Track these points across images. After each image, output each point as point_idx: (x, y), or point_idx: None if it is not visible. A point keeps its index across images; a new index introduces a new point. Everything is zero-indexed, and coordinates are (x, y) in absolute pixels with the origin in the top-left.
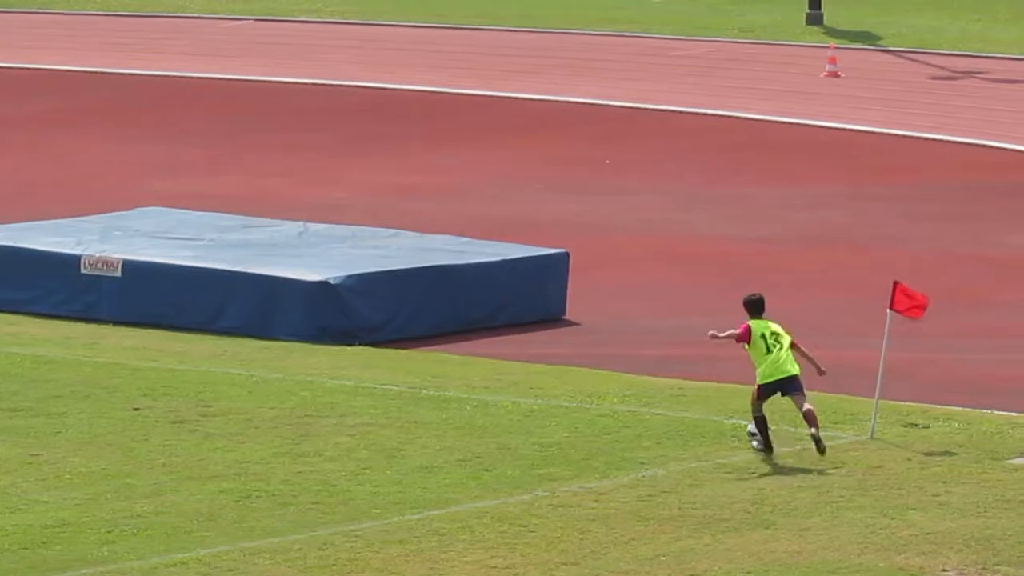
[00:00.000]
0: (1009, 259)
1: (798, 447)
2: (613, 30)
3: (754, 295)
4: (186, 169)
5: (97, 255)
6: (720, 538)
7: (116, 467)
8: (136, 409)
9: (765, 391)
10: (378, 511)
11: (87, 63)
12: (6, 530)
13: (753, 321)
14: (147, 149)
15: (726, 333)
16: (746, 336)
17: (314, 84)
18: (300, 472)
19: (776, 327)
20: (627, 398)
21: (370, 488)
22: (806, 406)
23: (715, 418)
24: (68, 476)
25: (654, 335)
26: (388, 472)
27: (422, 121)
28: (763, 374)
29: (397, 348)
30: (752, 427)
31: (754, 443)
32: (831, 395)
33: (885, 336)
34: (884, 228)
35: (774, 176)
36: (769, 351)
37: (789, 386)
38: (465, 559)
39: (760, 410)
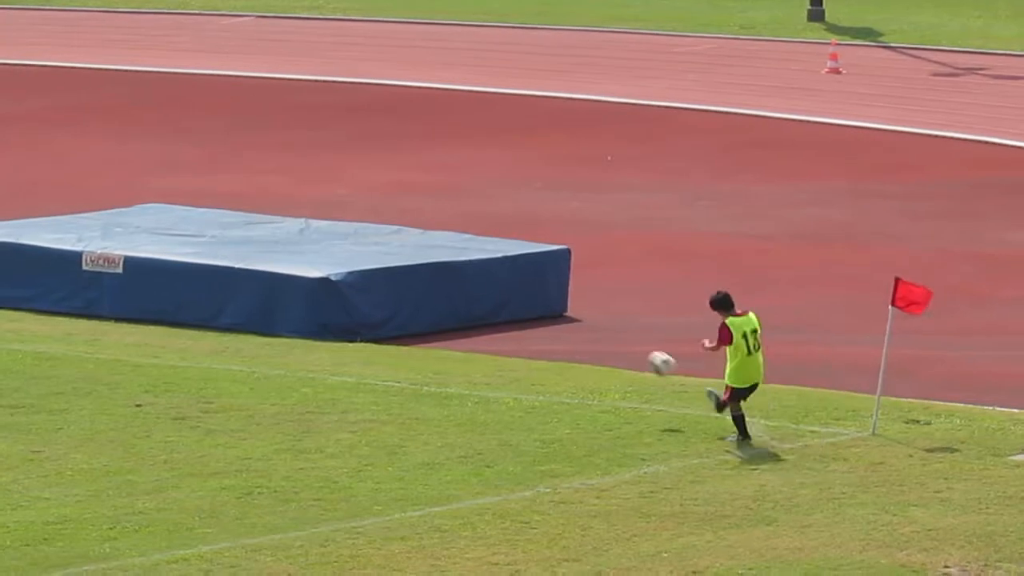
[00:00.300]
0: (1010, 256)
1: (800, 443)
2: (617, 27)
3: (719, 293)
4: (187, 167)
5: (98, 252)
6: (722, 534)
7: (118, 464)
8: (138, 406)
9: (740, 394)
10: (380, 508)
11: (87, 60)
12: (8, 527)
13: (730, 320)
14: (147, 147)
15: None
16: (728, 339)
17: (316, 81)
18: (302, 469)
19: (754, 321)
20: (628, 395)
21: (372, 485)
22: None
23: (716, 415)
24: (70, 473)
25: (655, 332)
26: (390, 469)
27: (424, 118)
28: (739, 378)
29: (398, 344)
30: (733, 437)
31: (729, 438)
32: (832, 391)
33: (887, 332)
34: (884, 225)
35: (775, 173)
36: (750, 352)
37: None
38: (467, 556)
39: (739, 408)
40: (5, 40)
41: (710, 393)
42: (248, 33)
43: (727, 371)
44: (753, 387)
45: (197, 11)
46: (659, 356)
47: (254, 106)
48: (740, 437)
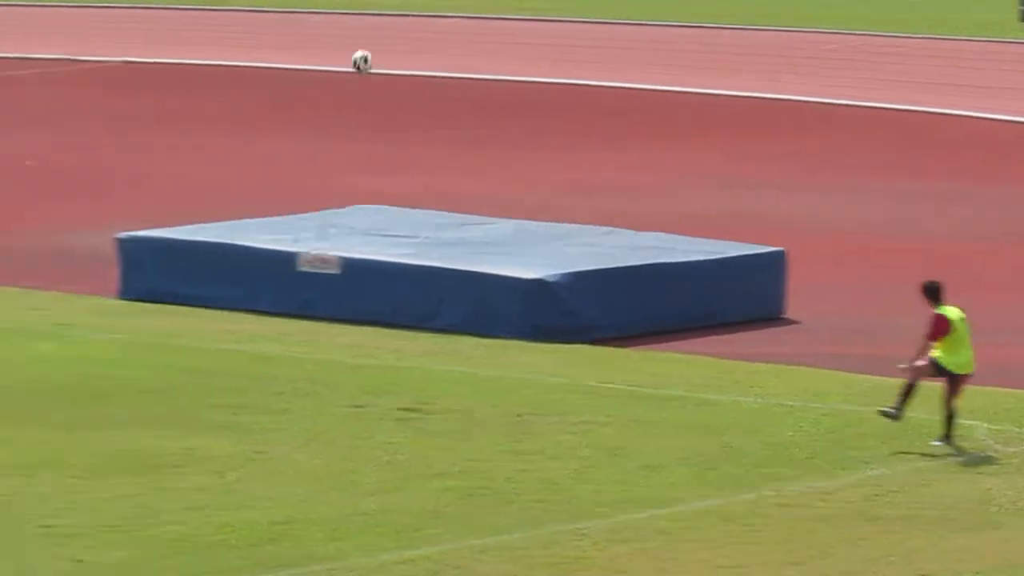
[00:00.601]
0: None
1: None
2: (819, 28)
3: (935, 281)
4: (394, 167)
5: (314, 252)
6: (949, 538)
7: (340, 464)
8: (358, 407)
9: (962, 380)
10: (602, 509)
11: (293, 61)
12: (234, 527)
13: (943, 308)
14: (353, 147)
15: (919, 354)
16: (946, 327)
17: (525, 82)
18: (523, 470)
19: (959, 310)
20: (850, 397)
21: (593, 486)
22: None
23: (940, 417)
24: (293, 473)
25: (870, 334)
26: (611, 470)
27: (628, 118)
28: (960, 364)
29: (614, 346)
30: (939, 441)
31: (935, 443)
32: None
33: None
34: None
35: (988, 174)
36: (964, 336)
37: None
38: (692, 558)
39: (951, 409)
40: (215, 40)
41: (884, 412)
42: (459, 34)
43: (946, 361)
44: (969, 375)
45: (408, 12)
46: (359, 54)
47: (463, 107)
48: (947, 438)
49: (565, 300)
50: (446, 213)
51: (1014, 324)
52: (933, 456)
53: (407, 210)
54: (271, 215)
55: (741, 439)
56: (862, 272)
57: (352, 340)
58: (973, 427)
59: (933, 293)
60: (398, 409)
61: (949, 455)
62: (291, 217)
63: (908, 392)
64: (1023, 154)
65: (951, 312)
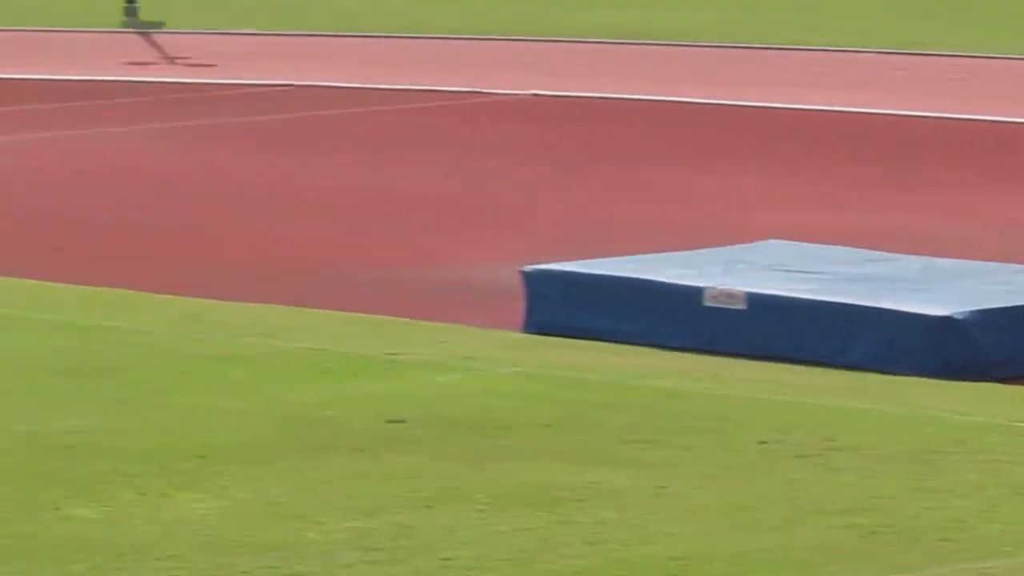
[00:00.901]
0: None
1: None
2: None
3: None
4: (800, 202)
5: (720, 287)
6: None
7: (741, 500)
8: (762, 443)
9: None
10: (1008, 548)
11: (696, 95)
12: (633, 561)
13: None
14: (757, 182)
15: None
16: None
17: (940, 118)
18: (927, 508)
19: None
20: None
21: (1000, 525)
22: None
23: None
24: (694, 508)
25: None
26: (1018, 509)
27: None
28: None
29: None
30: None
31: None
32: None
33: None
34: None
35: None
36: None
37: None
38: None
39: None
40: (618, 74)
41: None
42: (868, 69)
43: None
44: None
45: (813, 48)
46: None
47: (869, 142)
48: None
49: (975, 337)
50: (853, 249)
51: None
52: None
53: (812, 245)
54: (677, 250)
55: None
56: None
57: (757, 376)
58: None
59: None
60: (802, 445)
61: None
62: (697, 252)
63: None
64: None
65: None
